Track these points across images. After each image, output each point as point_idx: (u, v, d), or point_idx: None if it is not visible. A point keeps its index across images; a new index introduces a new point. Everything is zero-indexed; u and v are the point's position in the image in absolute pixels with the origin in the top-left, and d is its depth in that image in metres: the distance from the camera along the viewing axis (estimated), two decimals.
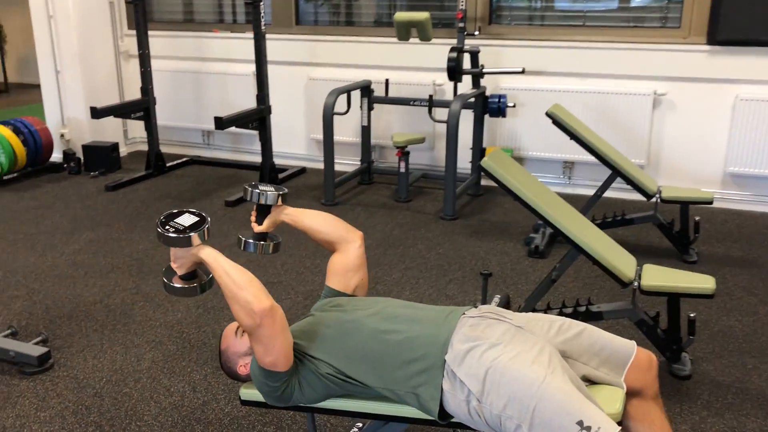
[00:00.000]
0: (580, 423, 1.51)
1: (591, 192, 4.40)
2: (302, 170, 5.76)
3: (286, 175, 5.53)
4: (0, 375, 2.78)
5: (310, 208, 4.66)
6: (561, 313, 2.93)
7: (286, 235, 2.41)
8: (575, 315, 2.91)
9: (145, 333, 3.11)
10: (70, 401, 2.60)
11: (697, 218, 3.84)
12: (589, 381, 1.79)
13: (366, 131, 5.32)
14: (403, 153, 4.86)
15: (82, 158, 5.73)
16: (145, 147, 5.89)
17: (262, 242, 2.10)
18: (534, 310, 3.00)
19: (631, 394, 1.83)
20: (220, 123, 4.66)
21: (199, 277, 1.89)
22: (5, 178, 5.37)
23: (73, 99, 5.81)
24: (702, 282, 2.68)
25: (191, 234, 1.75)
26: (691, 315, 2.72)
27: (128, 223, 4.54)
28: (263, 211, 2.12)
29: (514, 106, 4.95)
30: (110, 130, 6.02)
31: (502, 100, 4.80)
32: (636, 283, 2.72)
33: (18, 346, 2.85)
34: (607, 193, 4.15)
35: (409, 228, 4.44)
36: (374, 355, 1.77)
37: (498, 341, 1.69)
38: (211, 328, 3.15)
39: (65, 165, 5.72)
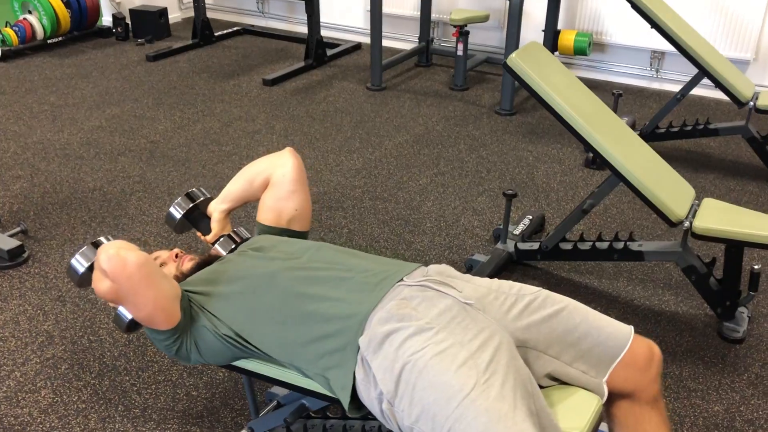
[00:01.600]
0: None
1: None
2: (357, 46, 5.23)
3: (337, 52, 5.03)
4: None
5: (354, 92, 4.34)
6: (593, 249, 2.44)
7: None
8: (610, 252, 2.41)
9: (133, 229, 2.87)
10: (31, 304, 2.42)
11: None
12: (558, 380, 1.36)
13: (426, 3, 4.68)
14: (461, 33, 4.24)
15: (130, 24, 5.42)
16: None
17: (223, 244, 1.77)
18: (563, 241, 2.52)
19: (620, 395, 1.39)
20: None
21: None
22: (49, 42, 5.16)
23: None
24: None
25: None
26: (756, 266, 2.17)
27: (157, 98, 4.25)
28: (198, 219, 1.82)
29: None
30: None
31: None
32: (688, 223, 2.17)
33: None
34: (698, 91, 3.44)
35: (456, 123, 3.91)
36: (281, 323, 1.40)
37: (428, 325, 1.26)
38: None
39: (113, 30, 5.44)
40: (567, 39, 4.29)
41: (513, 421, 1.14)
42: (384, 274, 1.42)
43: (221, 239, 1.75)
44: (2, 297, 2.46)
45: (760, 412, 1.97)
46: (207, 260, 1.67)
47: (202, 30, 5.25)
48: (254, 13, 5.83)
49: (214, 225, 1.79)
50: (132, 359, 2.17)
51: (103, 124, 3.87)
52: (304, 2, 4.70)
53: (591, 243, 2.47)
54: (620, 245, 2.40)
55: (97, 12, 5.38)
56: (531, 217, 2.84)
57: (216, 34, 5.38)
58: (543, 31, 4.37)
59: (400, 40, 5.07)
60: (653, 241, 2.46)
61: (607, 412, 1.42)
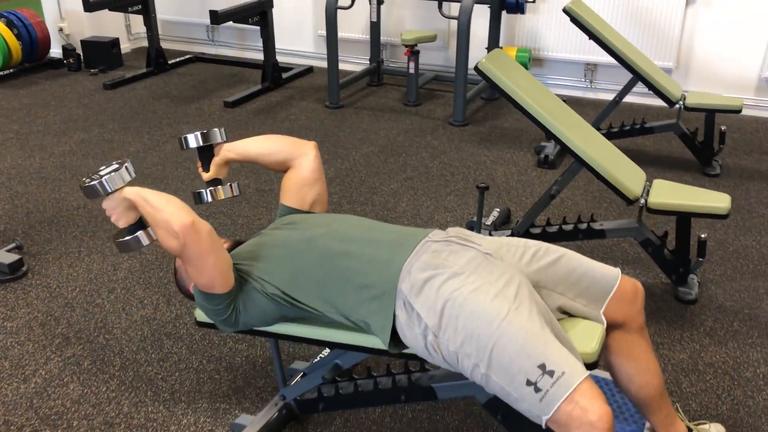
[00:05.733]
0: (542, 366, 1.34)
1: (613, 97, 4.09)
2: (309, 69, 5.47)
3: (291, 75, 5.26)
4: None
5: (314, 110, 4.56)
6: (560, 231, 2.74)
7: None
8: (575, 232, 2.71)
9: None
10: (40, 311, 2.52)
11: (723, 128, 3.54)
12: (567, 313, 1.61)
13: (375, 27, 4.98)
14: (413, 52, 4.54)
15: (81, 54, 5.50)
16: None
17: (211, 188, 1.89)
18: (532, 226, 2.80)
19: (613, 326, 1.65)
20: (216, 17, 4.37)
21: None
22: (1, 74, 5.18)
23: None
24: (715, 200, 2.44)
25: (105, 178, 1.55)
26: (702, 236, 2.50)
27: (122, 123, 4.36)
28: (206, 155, 1.92)
29: (534, 2, 4.56)
30: (111, 25, 5.76)
31: None
32: (643, 200, 2.48)
33: None
34: (629, 99, 3.84)
35: (415, 134, 4.19)
36: (323, 279, 1.60)
37: (461, 270, 1.49)
38: None
39: (65, 61, 5.51)
40: (509, 55, 4.65)
41: (543, 338, 1.37)
42: (410, 235, 1.64)
43: (212, 185, 1.88)
44: (10, 307, 2.54)
45: (717, 357, 2.27)
46: (238, 242, 1.85)
47: (156, 58, 5.39)
48: (204, 41, 6.00)
49: (214, 167, 1.90)
50: (150, 352, 2.30)
51: (74, 149, 3.96)
52: (259, 28, 4.93)
53: (558, 226, 2.76)
54: (584, 226, 2.70)
55: (47, 44, 5.44)
56: (499, 210, 3.13)
57: (169, 62, 5.52)
58: (486, 48, 4.72)
59: (351, 63, 5.33)
60: (612, 221, 2.76)
61: (603, 345, 1.68)
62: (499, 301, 1.42)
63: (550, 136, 2.55)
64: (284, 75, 5.18)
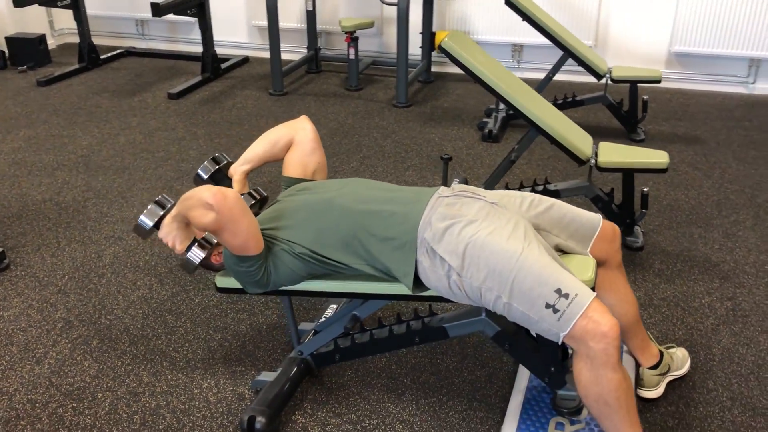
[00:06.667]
0: (558, 291, 1.57)
1: (539, 75, 4.42)
2: (245, 59, 5.55)
3: (229, 65, 5.32)
4: None
5: (259, 98, 4.67)
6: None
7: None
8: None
9: (102, 229, 3.04)
10: (34, 299, 2.56)
11: (645, 97, 3.91)
12: (561, 251, 1.85)
13: (311, 16, 5.12)
14: (352, 39, 4.72)
15: (6, 52, 5.36)
16: (74, 39, 5.56)
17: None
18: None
19: (597, 264, 1.91)
20: (158, 9, 4.40)
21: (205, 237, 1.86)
22: None
23: None
24: (656, 157, 2.76)
25: (141, 217, 1.81)
26: (645, 190, 2.82)
27: (67, 119, 4.33)
28: (220, 181, 2.11)
29: None
30: (35, 21, 5.64)
31: None
32: (593, 161, 2.78)
33: None
34: (557, 76, 4.16)
35: (363, 116, 4.38)
36: (347, 236, 1.77)
37: (474, 218, 1.71)
38: None
39: None
40: (442, 39, 4.90)
41: (555, 267, 1.61)
42: (422, 193, 1.84)
43: (243, 197, 2.07)
44: (1, 297, 2.57)
45: (668, 292, 2.60)
46: (256, 212, 2.00)
47: (89, 53, 5.32)
48: (134, 35, 5.96)
49: (236, 185, 2.08)
50: (156, 328, 2.41)
51: (22, 146, 3.92)
52: (195, 20, 4.98)
53: (517, 189, 3.03)
54: (540, 188, 2.98)
55: None
56: (458, 179, 3.36)
57: (102, 57, 5.46)
58: (421, 33, 4.96)
59: (288, 52, 5.45)
60: (565, 182, 3.06)
61: None
62: (513, 241, 1.65)
63: (510, 107, 2.80)
64: (222, 65, 5.24)
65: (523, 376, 2.03)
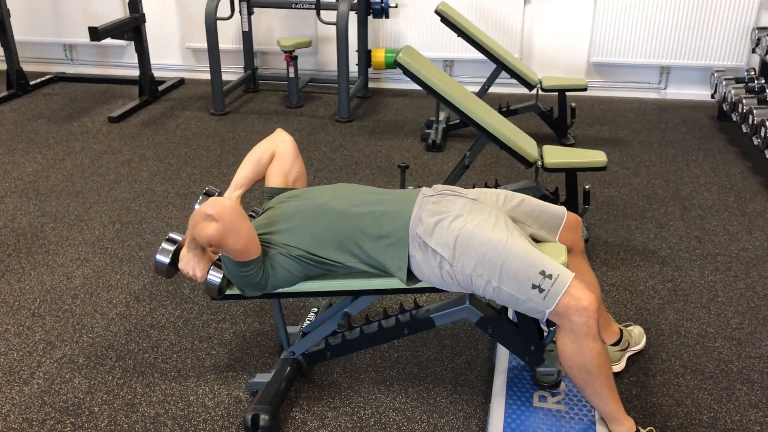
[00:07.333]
0: (542, 272, 1.76)
1: (472, 88, 4.62)
2: (181, 81, 5.58)
3: (166, 87, 5.34)
4: None
5: (201, 118, 4.74)
6: None
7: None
8: None
9: (66, 252, 3.04)
10: (9, 324, 2.55)
11: (573, 105, 4.22)
12: (535, 240, 2.05)
13: (247, 37, 5.22)
14: (292, 57, 4.85)
15: None
16: (1, 65, 5.42)
17: None
18: None
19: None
20: (96, 34, 4.40)
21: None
22: None
23: None
24: (596, 156, 3.02)
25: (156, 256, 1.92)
26: (587, 186, 3.07)
27: (6, 146, 4.25)
28: None
29: (396, 7, 5.04)
30: None
31: (384, 0, 4.87)
32: (540, 162, 3.01)
33: None
34: (492, 89, 4.42)
35: (308, 132, 4.51)
36: (343, 236, 1.91)
37: (460, 213, 1.88)
38: (135, 241, 3.13)
39: None
40: (378, 56, 5.09)
41: (537, 252, 1.80)
42: (407, 194, 2.00)
43: None
44: None
45: (615, 278, 2.85)
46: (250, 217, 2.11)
47: (18, 80, 5.22)
48: (63, 60, 5.87)
49: None
50: (141, 342, 2.45)
51: None
52: (129, 43, 4.98)
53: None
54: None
55: None
56: (412, 187, 3.54)
57: (31, 83, 5.36)
58: (357, 51, 5.14)
59: (225, 72, 5.50)
60: (514, 183, 3.28)
61: None
62: (498, 231, 1.83)
63: (462, 117, 3.00)
64: (160, 88, 5.25)
65: (503, 358, 2.21)
